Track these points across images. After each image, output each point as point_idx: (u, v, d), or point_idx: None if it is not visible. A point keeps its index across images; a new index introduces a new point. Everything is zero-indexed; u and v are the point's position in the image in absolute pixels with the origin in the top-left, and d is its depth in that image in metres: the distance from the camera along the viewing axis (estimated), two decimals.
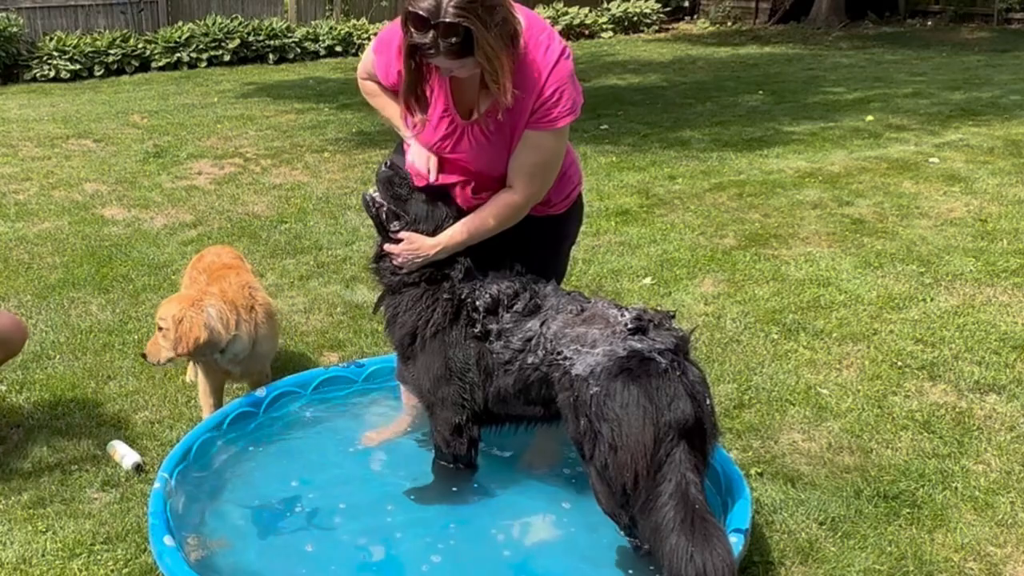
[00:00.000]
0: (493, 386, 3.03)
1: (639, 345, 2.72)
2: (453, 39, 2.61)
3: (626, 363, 2.68)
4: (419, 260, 3.09)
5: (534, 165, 2.99)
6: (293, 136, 9.76)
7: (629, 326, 2.79)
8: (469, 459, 3.21)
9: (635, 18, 19.38)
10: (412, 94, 2.90)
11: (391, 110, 3.20)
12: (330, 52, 16.32)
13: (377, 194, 3.18)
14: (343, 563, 2.94)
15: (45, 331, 4.91)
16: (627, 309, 2.89)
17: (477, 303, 3.03)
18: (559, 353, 2.83)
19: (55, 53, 14.36)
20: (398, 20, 2.81)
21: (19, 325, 3.88)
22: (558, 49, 2.86)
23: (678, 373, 2.69)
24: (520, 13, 2.84)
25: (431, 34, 2.62)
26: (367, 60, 3.21)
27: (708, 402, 2.74)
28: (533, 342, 2.92)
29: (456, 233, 3.09)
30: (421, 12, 2.62)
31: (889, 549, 3.05)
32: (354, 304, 5.19)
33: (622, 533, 2.85)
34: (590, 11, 18.98)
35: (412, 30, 2.66)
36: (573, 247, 3.51)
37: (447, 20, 2.59)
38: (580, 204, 3.38)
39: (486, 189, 3.12)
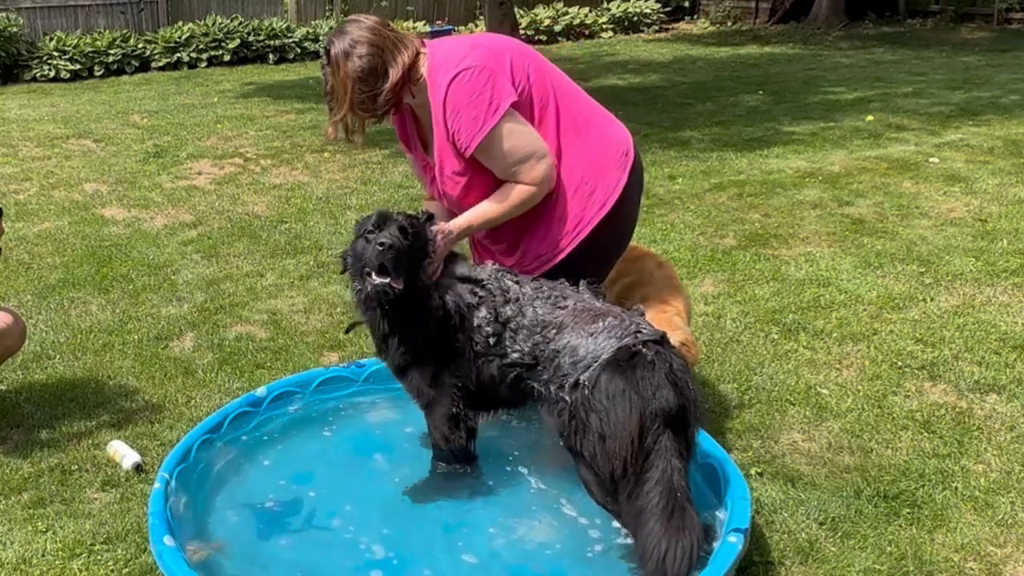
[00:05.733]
0: (486, 374, 3.09)
1: (626, 339, 2.77)
2: (327, 62, 3.18)
3: (614, 357, 2.75)
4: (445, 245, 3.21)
5: (503, 169, 3.22)
6: (293, 136, 9.76)
7: (614, 320, 2.84)
8: (468, 451, 3.23)
9: (635, 18, 19.38)
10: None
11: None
12: None
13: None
14: (343, 563, 2.94)
15: (45, 331, 4.91)
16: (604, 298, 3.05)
17: (462, 305, 3.08)
18: (548, 345, 2.90)
19: (55, 53, 14.36)
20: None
21: (17, 321, 3.88)
22: (446, 81, 3.13)
23: (665, 364, 2.75)
24: (433, 53, 3.21)
25: (325, 59, 3.21)
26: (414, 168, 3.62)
27: (691, 389, 2.81)
28: (522, 333, 2.99)
29: (463, 219, 3.27)
30: (326, 44, 3.24)
31: (889, 549, 3.05)
32: None
33: (619, 525, 2.88)
34: (590, 11, 18.98)
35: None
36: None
37: (327, 48, 3.20)
38: (589, 244, 3.36)
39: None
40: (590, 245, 3.33)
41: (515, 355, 3.00)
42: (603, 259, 3.48)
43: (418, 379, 3.19)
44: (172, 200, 7.42)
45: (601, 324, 2.85)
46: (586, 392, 2.75)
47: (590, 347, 2.80)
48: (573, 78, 3.48)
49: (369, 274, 3.02)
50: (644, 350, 2.75)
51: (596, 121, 3.38)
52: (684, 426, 2.76)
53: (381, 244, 2.96)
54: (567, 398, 2.80)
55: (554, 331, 2.92)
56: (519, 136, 3.15)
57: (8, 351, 3.92)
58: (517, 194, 3.22)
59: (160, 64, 14.99)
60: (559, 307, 2.97)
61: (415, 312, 3.10)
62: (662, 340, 2.83)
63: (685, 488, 2.69)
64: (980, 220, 6.21)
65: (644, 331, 2.82)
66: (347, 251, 3.19)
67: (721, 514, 2.96)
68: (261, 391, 3.73)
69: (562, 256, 3.33)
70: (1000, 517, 3.21)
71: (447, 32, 18.02)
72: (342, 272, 3.25)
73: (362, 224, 3.15)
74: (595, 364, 2.76)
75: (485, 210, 3.26)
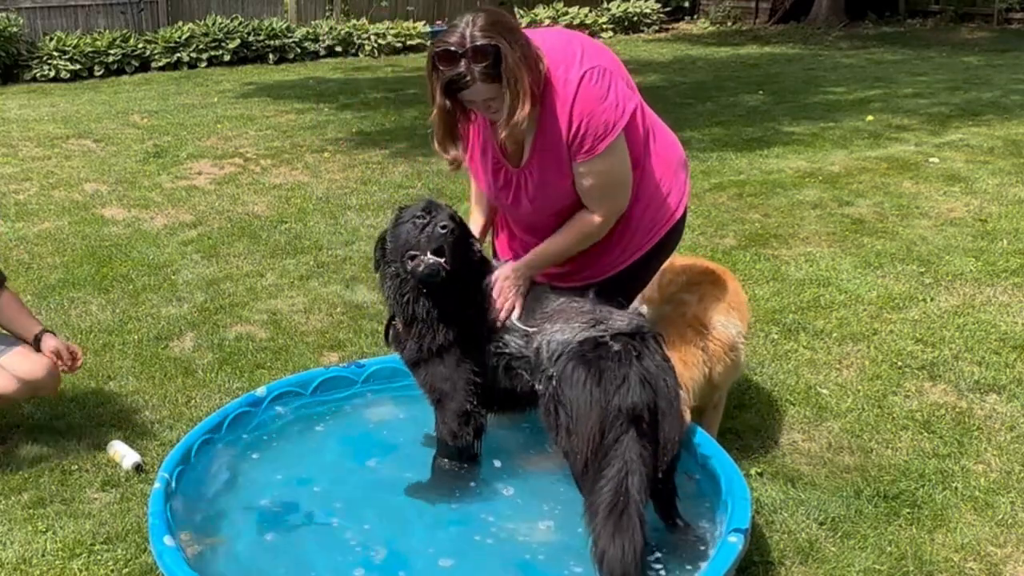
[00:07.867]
0: (492, 373, 3.09)
1: (595, 331, 2.74)
2: (485, 63, 2.68)
3: (579, 348, 2.72)
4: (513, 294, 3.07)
5: (597, 189, 3.00)
6: (293, 136, 9.76)
7: (593, 316, 2.83)
8: (473, 450, 3.23)
9: (635, 18, 19.38)
10: (448, 135, 2.95)
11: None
12: (330, 52, 16.32)
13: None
14: (343, 564, 2.93)
15: None
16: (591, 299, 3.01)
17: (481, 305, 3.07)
18: (535, 341, 2.91)
19: (55, 53, 14.35)
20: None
21: (53, 373, 3.71)
22: (576, 77, 2.86)
23: (633, 357, 2.68)
24: (541, 46, 2.87)
25: (463, 63, 2.70)
26: (472, 187, 3.36)
27: (667, 389, 2.71)
28: (521, 335, 3.00)
29: (534, 257, 3.11)
30: (449, 47, 2.70)
31: (889, 549, 3.05)
32: (354, 304, 5.19)
33: None
34: (590, 11, 18.98)
35: (443, 68, 2.74)
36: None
37: (476, 44, 2.67)
38: (659, 247, 3.29)
39: (542, 236, 3.18)
40: (648, 257, 3.26)
41: (518, 352, 2.98)
42: (646, 273, 3.38)
43: (434, 373, 3.17)
44: (172, 200, 7.42)
45: (580, 319, 2.84)
46: (554, 383, 2.73)
47: (563, 337, 2.79)
48: None
49: (415, 256, 2.98)
50: (610, 341, 2.68)
51: (661, 125, 3.29)
52: (654, 427, 2.66)
53: (444, 226, 2.92)
54: (543, 390, 2.80)
55: (538, 332, 2.92)
56: (624, 153, 2.99)
57: (39, 391, 3.79)
58: (583, 226, 3.07)
59: (160, 64, 14.98)
60: (544, 311, 2.98)
61: (450, 306, 3.08)
62: (635, 333, 2.74)
63: (635, 496, 2.59)
64: (980, 220, 6.21)
65: (618, 324, 2.76)
66: (385, 236, 3.14)
67: (721, 514, 2.96)
68: (261, 391, 3.72)
69: (623, 267, 3.22)
70: (1000, 517, 3.21)
71: None
72: (378, 259, 3.19)
73: (407, 210, 3.09)
74: (564, 354, 2.73)
75: (559, 245, 3.11)
